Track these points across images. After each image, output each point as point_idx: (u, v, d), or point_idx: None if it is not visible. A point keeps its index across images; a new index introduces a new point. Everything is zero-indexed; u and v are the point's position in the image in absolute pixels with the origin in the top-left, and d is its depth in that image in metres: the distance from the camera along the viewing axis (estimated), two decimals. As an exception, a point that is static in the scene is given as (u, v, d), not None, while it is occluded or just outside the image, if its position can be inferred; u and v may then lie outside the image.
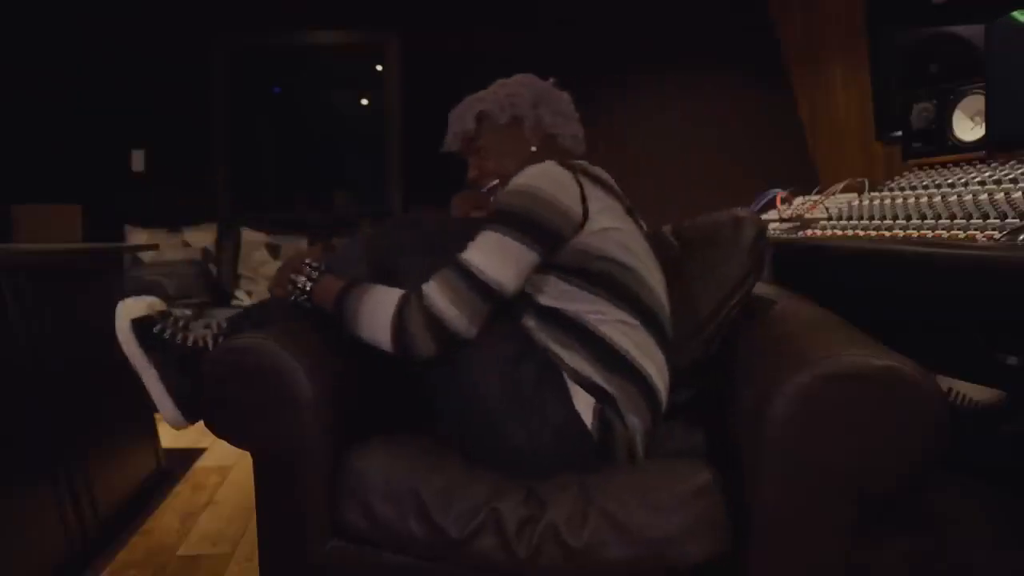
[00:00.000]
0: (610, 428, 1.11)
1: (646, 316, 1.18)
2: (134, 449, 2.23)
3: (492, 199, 1.33)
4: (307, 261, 1.20)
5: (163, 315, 1.27)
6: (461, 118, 1.33)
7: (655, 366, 1.18)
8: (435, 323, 1.05)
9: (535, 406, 1.09)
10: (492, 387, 1.09)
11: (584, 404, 1.12)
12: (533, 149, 1.32)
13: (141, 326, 1.22)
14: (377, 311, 1.08)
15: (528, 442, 1.09)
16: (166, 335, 1.23)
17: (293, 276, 1.19)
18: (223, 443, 1.14)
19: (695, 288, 1.36)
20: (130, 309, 1.24)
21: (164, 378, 1.20)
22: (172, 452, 2.55)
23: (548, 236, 1.11)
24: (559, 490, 1.04)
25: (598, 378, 1.14)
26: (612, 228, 1.17)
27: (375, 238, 1.25)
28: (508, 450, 1.09)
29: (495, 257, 1.08)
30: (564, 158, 1.25)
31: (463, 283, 1.06)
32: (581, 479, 1.06)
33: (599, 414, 1.11)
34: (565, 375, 1.13)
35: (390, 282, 1.13)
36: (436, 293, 1.06)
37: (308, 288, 1.17)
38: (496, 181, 1.34)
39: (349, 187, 5.30)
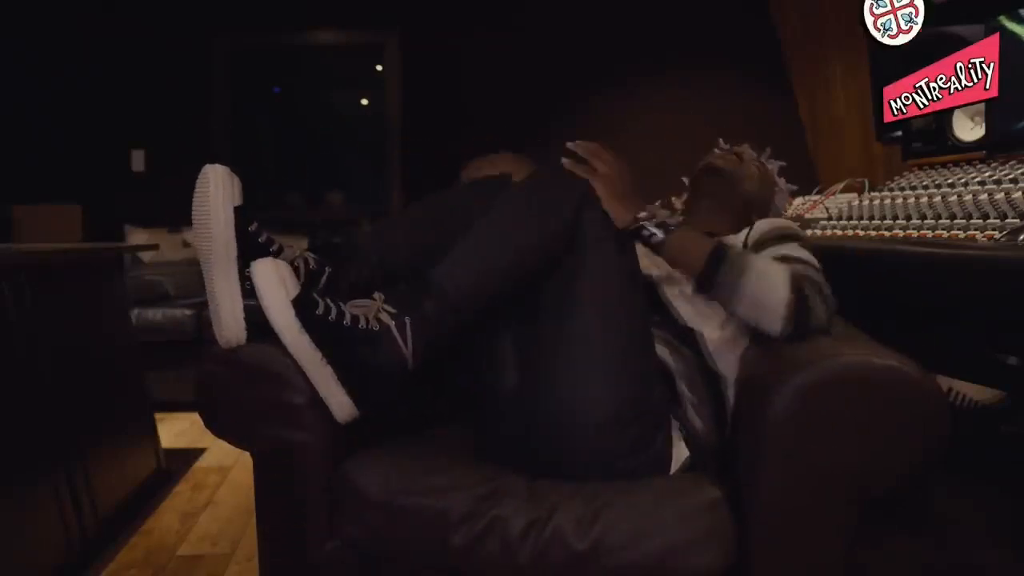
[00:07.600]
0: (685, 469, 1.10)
1: None
2: (134, 449, 2.23)
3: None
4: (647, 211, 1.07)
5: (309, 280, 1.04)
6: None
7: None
8: (828, 297, 1.06)
9: (641, 442, 1.06)
10: (603, 407, 1.03)
11: (678, 452, 1.09)
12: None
13: (301, 306, 0.97)
14: (770, 274, 1.05)
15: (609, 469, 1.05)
16: (331, 317, 0.98)
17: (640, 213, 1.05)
18: (223, 443, 1.14)
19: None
20: (272, 278, 0.97)
21: (340, 374, 0.98)
22: (172, 452, 2.55)
23: None
24: (565, 496, 1.03)
25: (702, 437, 1.13)
26: None
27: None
28: (578, 464, 1.05)
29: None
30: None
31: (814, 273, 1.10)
32: (589, 485, 1.05)
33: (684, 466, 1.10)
34: (676, 424, 1.11)
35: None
36: (809, 271, 1.09)
37: (668, 228, 1.05)
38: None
39: (348, 187, 5.29)
